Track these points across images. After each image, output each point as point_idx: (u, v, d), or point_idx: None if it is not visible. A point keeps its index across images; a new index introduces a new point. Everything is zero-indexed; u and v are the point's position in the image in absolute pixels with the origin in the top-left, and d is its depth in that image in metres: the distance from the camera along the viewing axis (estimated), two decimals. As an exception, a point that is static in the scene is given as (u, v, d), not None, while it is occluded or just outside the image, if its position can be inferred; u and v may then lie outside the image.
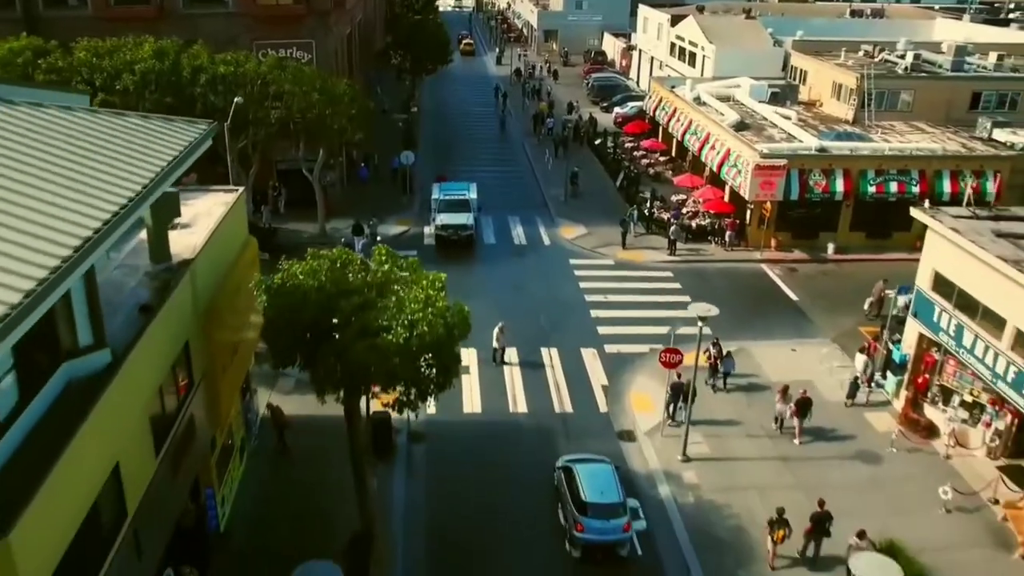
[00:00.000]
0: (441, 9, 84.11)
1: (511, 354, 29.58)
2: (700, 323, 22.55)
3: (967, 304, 23.43)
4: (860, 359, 27.62)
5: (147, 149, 16.34)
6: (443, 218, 38.29)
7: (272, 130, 36.20)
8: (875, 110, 47.19)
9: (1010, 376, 21.62)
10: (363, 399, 20.93)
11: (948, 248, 24.09)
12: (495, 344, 28.85)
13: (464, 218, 38.27)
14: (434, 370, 17.86)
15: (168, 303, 16.47)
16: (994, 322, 22.32)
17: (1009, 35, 62.19)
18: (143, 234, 18.55)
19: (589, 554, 20.66)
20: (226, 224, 21.05)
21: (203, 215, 21.22)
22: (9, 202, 12.58)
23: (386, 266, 18.85)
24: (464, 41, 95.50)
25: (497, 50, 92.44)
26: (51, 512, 11.45)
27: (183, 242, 19.12)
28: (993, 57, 50.89)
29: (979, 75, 49.44)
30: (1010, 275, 21.34)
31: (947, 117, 47.41)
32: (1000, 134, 43.45)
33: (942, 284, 24.60)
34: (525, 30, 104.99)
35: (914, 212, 26.01)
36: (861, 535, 20.06)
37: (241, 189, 23.57)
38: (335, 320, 17.24)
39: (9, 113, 15.44)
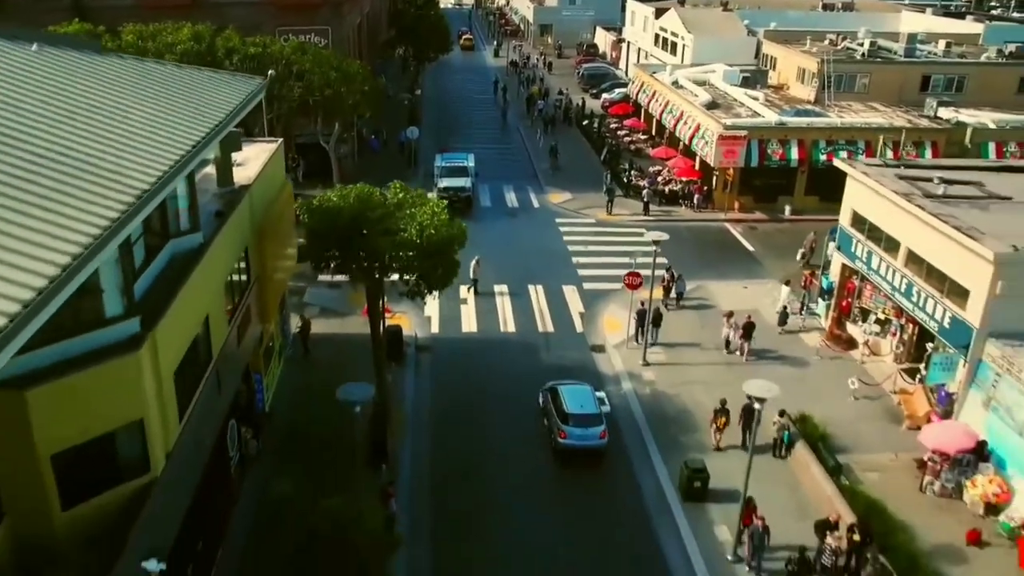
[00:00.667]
0: (442, 5, 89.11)
1: (502, 288, 34.76)
2: (655, 245, 27.70)
3: (875, 234, 28.57)
4: (784, 290, 32.65)
5: (220, 94, 21.44)
6: (444, 182, 43.38)
7: (294, 105, 41.22)
8: (834, 91, 52.23)
9: (903, 287, 26.76)
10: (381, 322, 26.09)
11: (861, 189, 29.24)
12: (472, 275, 33.82)
13: (463, 181, 43.42)
14: (439, 270, 23.13)
15: (235, 211, 21.57)
16: (893, 245, 27.45)
17: (965, 26, 67.29)
18: (208, 169, 23.67)
19: (569, 457, 24.17)
20: (271, 165, 26.17)
21: (252, 158, 26.26)
22: (131, 120, 17.65)
23: (401, 194, 24.08)
24: (464, 36, 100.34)
25: (495, 44, 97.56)
26: (173, 328, 16.50)
27: (240, 175, 24.16)
28: (942, 44, 56.05)
29: (929, 60, 54.62)
30: (902, 205, 26.47)
31: (900, 98, 52.39)
32: (944, 112, 48.53)
33: (858, 220, 29.73)
34: (522, 25, 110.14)
35: (837, 162, 31.17)
36: (781, 414, 25.10)
37: (280, 140, 28.71)
38: (363, 228, 22.41)
39: (120, 63, 20.58)
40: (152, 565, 13.80)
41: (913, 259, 26.32)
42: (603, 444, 24.49)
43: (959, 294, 23.96)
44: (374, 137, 52.60)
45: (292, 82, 40.36)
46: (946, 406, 24.36)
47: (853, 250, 29.98)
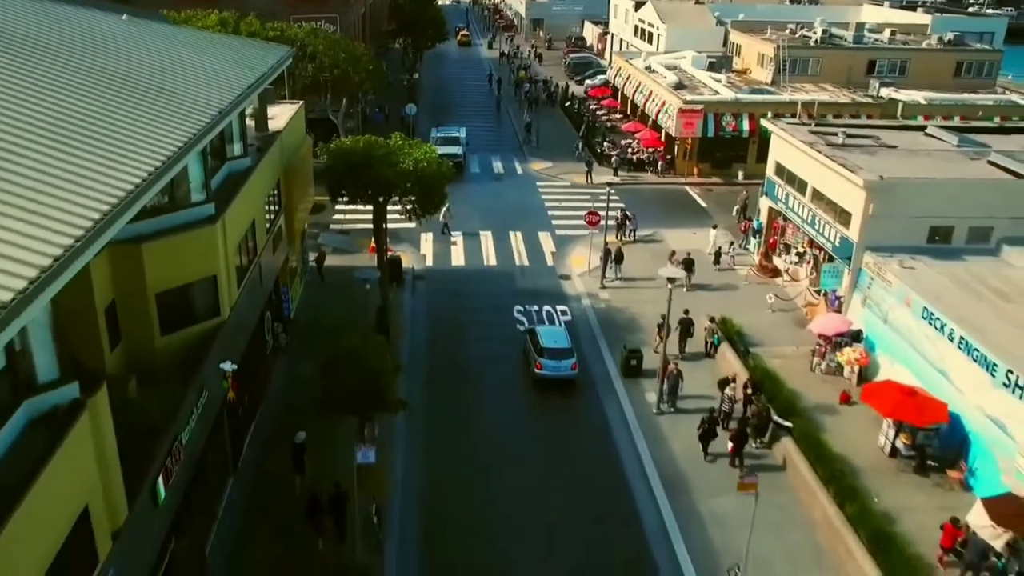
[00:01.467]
0: (440, 2, 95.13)
1: (487, 233, 40.90)
2: (608, 188, 33.78)
3: (791, 178, 34.66)
4: (712, 232, 38.58)
5: (261, 55, 27.52)
6: (439, 150, 49.21)
7: (307, 82, 47.30)
8: (789, 74, 58.32)
9: (810, 219, 32.90)
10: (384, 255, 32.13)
11: (781, 143, 35.33)
12: (442, 219, 39.54)
13: (455, 149, 49.55)
14: (433, 198, 29.31)
15: (271, 148, 27.64)
16: (802, 186, 33.55)
17: (916, 18, 73.44)
18: (247, 122, 29.68)
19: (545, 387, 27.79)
20: (295, 120, 32.30)
21: (280, 114, 32.37)
22: (201, 68, 23.72)
23: (400, 141, 30.22)
24: (461, 33, 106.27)
25: (489, 36, 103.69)
26: (234, 217, 22.52)
27: (271, 125, 30.29)
28: (887, 33, 62.17)
29: (875, 47, 60.73)
30: (808, 152, 32.57)
31: (848, 80, 58.41)
32: (884, 91, 54.68)
33: (779, 169, 35.83)
34: (515, 19, 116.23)
35: (763, 121, 37.24)
36: (712, 320, 31.21)
37: (301, 102, 34.80)
38: (370, 163, 28.52)
39: (185, 30, 26.74)
40: (227, 365, 19.87)
41: (816, 195, 32.44)
42: (574, 375, 28.12)
43: (845, 217, 30.05)
44: (378, 111, 58.83)
45: (305, 62, 46.42)
46: (836, 307, 30.45)
47: (776, 194, 36.09)
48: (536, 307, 33.81)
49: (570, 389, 28.32)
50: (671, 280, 24.91)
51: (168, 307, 20.32)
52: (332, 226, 41.48)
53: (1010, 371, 21.81)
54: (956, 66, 60.37)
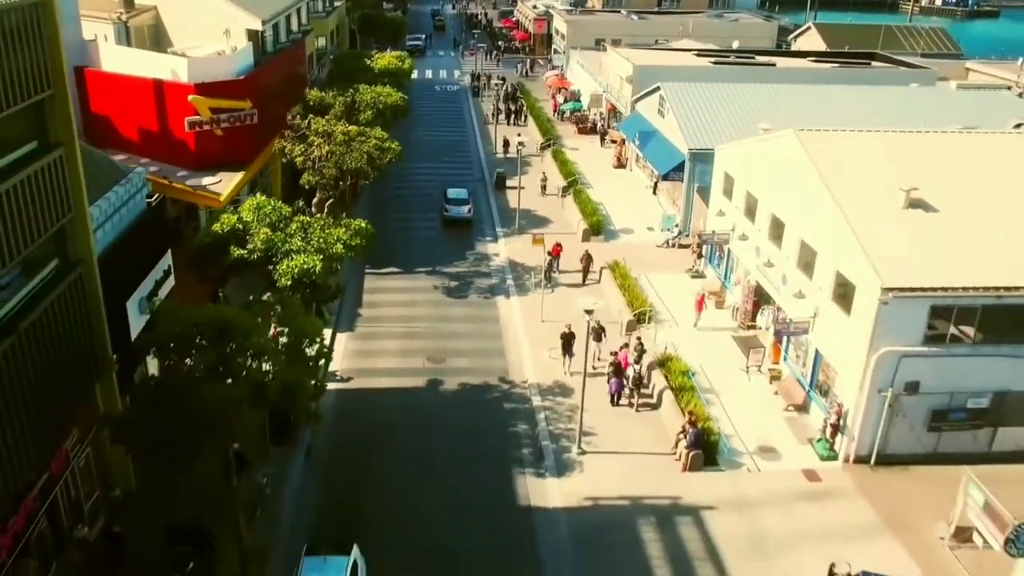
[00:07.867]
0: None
1: (432, 74, 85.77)
2: (493, 53, 78.33)
3: (559, 33, 79.14)
4: (518, 66, 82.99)
5: (331, -26, 72.00)
6: (410, 42, 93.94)
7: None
8: (612, 5, 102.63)
9: (562, 47, 77.59)
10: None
11: (557, 18, 79.87)
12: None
13: (419, 42, 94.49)
14: (396, 34, 74.37)
15: (334, 11, 72.08)
16: (559, 33, 78.09)
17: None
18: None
19: (450, 223, 45.74)
20: (341, 7, 76.88)
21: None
22: (315, -26, 68.29)
23: (389, 13, 75.32)
24: (436, 18, 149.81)
25: (453, 1, 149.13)
26: (331, 20, 66.89)
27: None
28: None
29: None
30: (560, 16, 77.03)
31: (647, 6, 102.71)
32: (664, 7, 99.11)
33: (558, 31, 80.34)
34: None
35: (550, 10, 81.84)
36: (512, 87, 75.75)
37: (343, 2, 79.23)
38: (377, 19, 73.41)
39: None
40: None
41: (563, 36, 76.85)
42: (470, 217, 45.73)
43: (565, 37, 74.59)
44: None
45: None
46: (562, 74, 74.97)
47: (557, 45, 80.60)
48: (447, 86, 78.49)
49: (465, 225, 46.56)
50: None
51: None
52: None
53: (593, 75, 65.92)
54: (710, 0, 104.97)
